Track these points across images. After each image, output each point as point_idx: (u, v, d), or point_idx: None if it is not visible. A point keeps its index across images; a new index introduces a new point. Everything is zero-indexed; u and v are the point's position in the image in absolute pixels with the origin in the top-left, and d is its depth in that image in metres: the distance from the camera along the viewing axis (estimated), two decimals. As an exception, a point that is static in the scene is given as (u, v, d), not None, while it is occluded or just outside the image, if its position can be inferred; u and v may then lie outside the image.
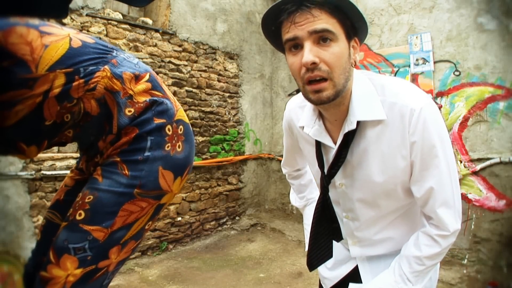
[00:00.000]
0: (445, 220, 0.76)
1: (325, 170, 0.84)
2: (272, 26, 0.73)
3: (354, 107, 0.75)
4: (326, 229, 0.88)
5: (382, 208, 0.85)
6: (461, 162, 2.84)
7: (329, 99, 0.69)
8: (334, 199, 0.89)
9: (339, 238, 0.89)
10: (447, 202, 0.76)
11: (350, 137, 0.78)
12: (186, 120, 0.91)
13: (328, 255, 0.90)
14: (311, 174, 1.16)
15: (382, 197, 0.82)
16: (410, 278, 0.79)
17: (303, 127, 0.88)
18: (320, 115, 0.84)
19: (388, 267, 0.86)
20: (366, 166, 0.80)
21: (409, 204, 0.86)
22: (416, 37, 3.08)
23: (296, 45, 0.69)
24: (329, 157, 0.85)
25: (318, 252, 0.91)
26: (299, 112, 0.91)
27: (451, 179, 0.76)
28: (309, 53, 0.66)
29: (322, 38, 0.66)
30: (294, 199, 1.22)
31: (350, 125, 0.76)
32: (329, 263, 1.00)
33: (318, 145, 0.85)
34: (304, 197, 1.18)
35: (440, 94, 2.97)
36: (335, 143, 0.82)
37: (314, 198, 1.17)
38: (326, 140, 0.83)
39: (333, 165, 0.81)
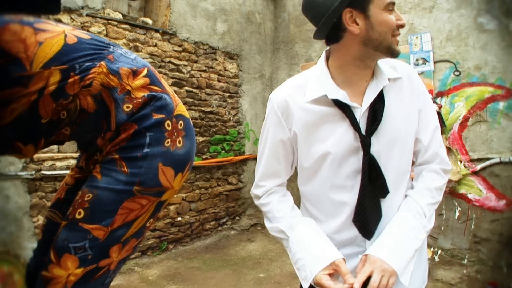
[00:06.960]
0: (445, 157, 0.93)
1: (362, 130, 0.84)
2: None
3: (380, 66, 0.89)
4: (372, 190, 0.85)
5: (406, 173, 0.90)
6: (461, 162, 2.84)
7: None
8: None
9: (385, 193, 0.86)
10: (442, 142, 0.94)
11: (382, 93, 0.87)
12: (187, 115, 0.89)
13: (380, 215, 0.87)
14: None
15: (407, 155, 0.90)
16: (426, 211, 0.85)
17: (315, 99, 0.86)
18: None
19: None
20: (393, 125, 0.87)
21: (409, 166, 0.94)
22: (416, 37, 3.08)
23: (392, 6, 0.81)
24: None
25: (371, 215, 0.85)
26: (297, 91, 0.90)
27: None
28: None
29: None
30: (287, 226, 0.90)
31: (384, 82, 0.87)
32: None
33: (345, 108, 0.85)
34: (297, 215, 0.93)
35: (440, 94, 2.97)
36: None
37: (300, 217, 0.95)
38: (353, 102, 0.86)
39: (373, 120, 0.85)
